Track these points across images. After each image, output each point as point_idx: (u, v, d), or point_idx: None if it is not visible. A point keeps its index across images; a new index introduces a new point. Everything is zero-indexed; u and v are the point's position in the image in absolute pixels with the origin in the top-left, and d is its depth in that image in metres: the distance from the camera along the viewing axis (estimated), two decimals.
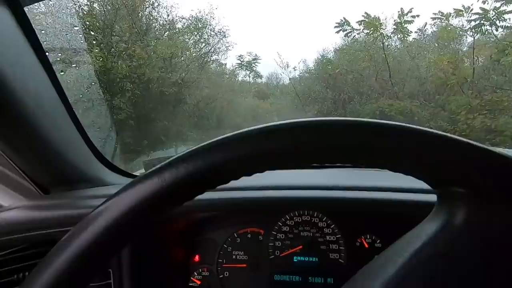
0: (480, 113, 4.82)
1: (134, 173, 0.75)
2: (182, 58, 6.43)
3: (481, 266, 0.19)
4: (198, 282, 0.55)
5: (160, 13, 6.11)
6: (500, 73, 5.19)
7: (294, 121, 0.20)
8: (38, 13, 0.43)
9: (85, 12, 5.22)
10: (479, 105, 4.93)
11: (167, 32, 6.23)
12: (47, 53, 0.46)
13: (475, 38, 5.47)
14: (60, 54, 0.55)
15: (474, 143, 0.19)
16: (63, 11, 0.58)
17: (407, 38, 6.56)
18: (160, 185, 0.19)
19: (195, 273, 0.55)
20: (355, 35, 6.85)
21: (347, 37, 6.99)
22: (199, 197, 0.49)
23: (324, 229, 0.55)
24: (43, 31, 0.45)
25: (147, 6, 5.89)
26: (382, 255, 0.22)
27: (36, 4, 0.43)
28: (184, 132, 6.09)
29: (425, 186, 0.22)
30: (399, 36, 6.60)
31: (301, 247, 0.55)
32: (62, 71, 0.50)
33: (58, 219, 0.47)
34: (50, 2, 0.46)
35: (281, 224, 0.56)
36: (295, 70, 8.02)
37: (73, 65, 0.62)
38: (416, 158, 0.19)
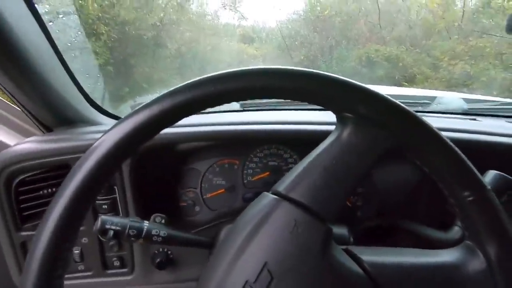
0: (462, 59, 4.88)
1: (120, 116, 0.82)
2: None
3: (358, 165, 0.30)
4: (185, 203, 0.68)
5: None
6: (489, 17, 5.11)
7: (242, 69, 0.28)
8: None
9: None
10: (463, 51, 4.97)
11: None
12: (36, 5, 0.49)
13: None
14: (48, 6, 0.57)
15: (354, 83, 0.28)
16: None
17: None
18: (146, 117, 0.27)
19: (183, 195, 0.67)
20: None
21: None
22: (188, 129, 0.58)
23: (288, 159, 0.67)
24: None
25: None
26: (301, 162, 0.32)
27: None
28: (167, 79, 5.91)
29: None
30: None
31: (268, 173, 0.67)
32: (50, 22, 0.53)
33: (67, 148, 0.56)
34: None
35: (252, 156, 0.67)
36: (280, 11, 7.55)
37: (60, 16, 0.63)
38: (321, 96, 0.28)
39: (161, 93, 0.28)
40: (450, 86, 4.92)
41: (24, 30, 0.47)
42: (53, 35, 0.53)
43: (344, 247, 0.33)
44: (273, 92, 0.28)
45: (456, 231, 0.50)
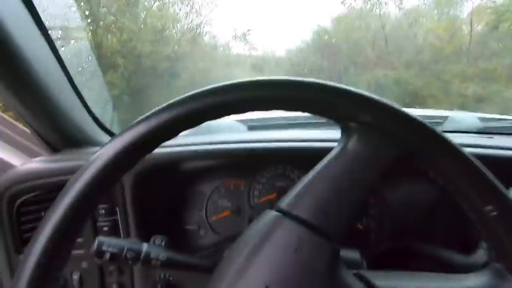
0: (473, 81, 4.84)
1: None
2: (174, 30, 6.26)
3: (365, 177, 0.28)
4: (190, 226, 0.65)
5: None
6: (497, 40, 5.12)
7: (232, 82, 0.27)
8: None
9: None
10: (473, 73, 4.94)
11: (157, 3, 6.00)
12: (49, 31, 0.52)
13: (475, 4, 5.34)
14: (60, 32, 0.60)
15: (356, 90, 0.27)
16: None
17: (405, 5, 6.39)
18: (144, 131, 0.26)
19: (188, 217, 0.65)
20: (351, 3, 6.67)
21: (343, 5, 6.81)
22: (193, 148, 0.57)
23: (296, 180, 0.65)
24: (44, 11, 0.51)
25: None
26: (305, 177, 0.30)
27: None
28: None
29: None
30: (396, 3, 6.43)
31: (275, 194, 0.64)
32: (63, 46, 0.56)
33: (71, 167, 0.56)
34: None
35: (259, 177, 0.65)
36: (289, 41, 7.85)
37: (71, 41, 0.67)
38: (324, 105, 0.27)
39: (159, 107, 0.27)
40: (463, 108, 4.83)
41: (36, 53, 0.49)
42: (65, 60, 0.56)
43: (355, 271, 0.29)
44: (274, 103, 0.28)
45: (481, 254, 0.45)
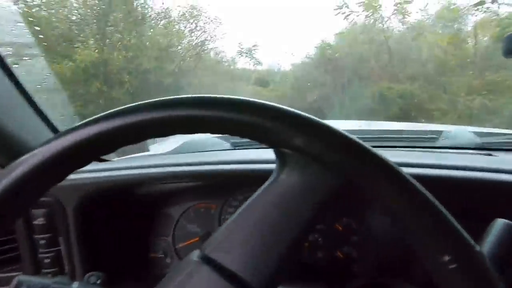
0: (480, 93, 4.75)
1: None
2: (179, 47, 6.40)
3: (300, 213, 0.23)
4: (156, 254, 0.61)
5: (154, 1, 6.05)
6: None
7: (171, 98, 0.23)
8: None
9: (79, 3, 5.20)
10: (480, 85, 4.85)
11: (163, 21, 6.18)
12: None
13: (478, 17, 5.32)
14: (10, 49, 0.59)
15: (288, 109, 0.22)
16: (3, 8, 0.62)
17: (408, 19, 6.41)
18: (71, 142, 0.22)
19: (153, 244, 0.61)
20: (354, 18, 6.73)
21: (346, 20, 6.88)
22: (158, 170, 0.53)
23: None
24: None
25: None
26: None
27: None
28: None
29: None
30: (399, 17, 6.46)
31: None
32: (16, 64, 0.54)
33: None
34: None
35: (232, 199, 0.61)
36: (293, 56, 7.94)
37: (25, 58, 0.66)
38: (253, 127, 0.22)
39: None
40: (471, 122, 4.72)
41: None
42: (19, 78, 0.53)
43: None
44: (193, 125, 0.24)
45: None
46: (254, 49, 8.35)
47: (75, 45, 4.60)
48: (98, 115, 0.23)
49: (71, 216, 0.52)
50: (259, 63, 8.90)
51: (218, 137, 1.09)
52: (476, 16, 5.39)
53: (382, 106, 5.78)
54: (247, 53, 8.32)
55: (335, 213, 0.58)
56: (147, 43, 5.49)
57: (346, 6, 6.50)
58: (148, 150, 0.98)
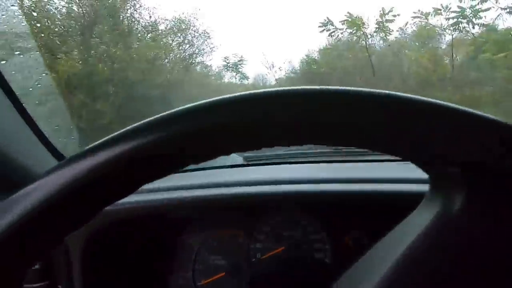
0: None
1: None
2: (166, 60, 6.33)
3: (484, 257, 0.16)
4: None
5: (142, 15, 5.99)
6: (478, 69, 5.37)
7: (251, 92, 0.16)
8: None
9: (62, 14, 5.06)
10: (460, 100, 5.08)
11: (150, 34, 6.11)
12: None
13: (454, 36, 5.64)
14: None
15: (470, 110, 0.15)
16: None
17: (389, 37, 6.71)
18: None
19: (169, 282, 0.50)
20: (338, 35, 6.95)
21: (331, 37, 7.09)
22: (169, 196, 0.44)
23: (308, 227, 0.52)
24: None
25: (128, 7, 5.76)
26: (370, 253, 0.19)
27: None
28: None
29: (416, 175, 0.19)
30: (381, 35, 6.74)
31: (283, 248, 0.51)
32: (3, 60, 0.44)
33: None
34: None
35: (261, 225, 0.52)
36: (280, 70, 8.03)
37: (16, 52, 0.55)
38: (398, 132, 0.15)
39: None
40: None
41: None
42: (7, 76, 0.44)
43: None
44: (310, 133, 0.16)
45: None
46: (241, 64, 8.37)
47: (58, 56, 4.43)
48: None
49: (77, 258, 0.41)
50: (245, 77, 8.92)
51: None
52: (452, 35, 5.72)
53: None
54: (233, 67, 8.33)
55: (344, 225, 0.52)
56: (134, 55, 5.38)
57: (330, 24, 6.73)
58: None
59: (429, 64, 5.97)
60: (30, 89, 0.54)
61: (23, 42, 0.58)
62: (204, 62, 7.54)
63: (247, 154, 0.91)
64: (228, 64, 8.17)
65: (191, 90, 6.76)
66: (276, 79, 8.48)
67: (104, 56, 5.13)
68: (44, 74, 0.63)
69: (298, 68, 8.19)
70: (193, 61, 7.06)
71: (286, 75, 8.48)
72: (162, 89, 5.87)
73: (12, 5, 0.54)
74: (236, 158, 0.92)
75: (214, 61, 7.92)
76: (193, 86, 6.89)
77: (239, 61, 8.28)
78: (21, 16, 0.57)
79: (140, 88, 5.32)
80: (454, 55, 5.79)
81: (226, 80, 8.61)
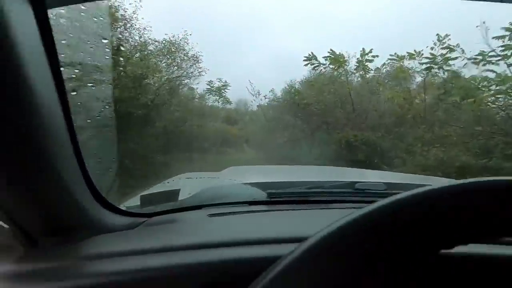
0: (434, 146, 5.29)
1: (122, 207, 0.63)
2: (153, 80, 6.26)
3: None
4: None
5: (132, 35, 5.98)
6: (446, 111, 5.80)
7: None
8: (62, 15, 0.35)
9: None
10: (431, 138, 5.44)
11: (139, 53, 6.07)
12: (62, 69, 0.38)
13: (425, 79, 6.16)
14: (77, 71, 0.46)
15: None
16: (95, 19, 0.49)
17: (367, 75, 7.20)
18: None
19: None
20: (321, 69, 7.36)
21: (314, 70, 7.47)
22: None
23: None
24: (63, 41, 0.37)
25: (118, 26, 5.74)
26: None
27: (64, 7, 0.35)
28: (151, 156, 5.77)
29: None
30: (361, 72, 7.23)
31: None
32: (74, 91, 0.41)
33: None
34: (82, 7, 0.38)
35: None
36: (265, 98, 8.24)
37: (89, 84, 0.52)
38: None
39: None
40: (425, 170, 5.16)
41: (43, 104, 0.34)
42: (72, 108, 0.40)
43: None
44: None
45: None
46: (224, 89, 8.49)
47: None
48: None
49: None
50: (228, 102, 9.02)
51: (246, 183, 0.98)
52: (424, 78, 6.23)
53: (349, 152, 6.12)
54: (216, 91, 8.42)
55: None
56: (121, 72, 5.27)
57: (314, 59, 7.13)
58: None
59: (405, 103, 6.39)
60: (89, 121, 0.50)
61: (100, 75, 0.54)
62: (190, 85, 7.58)
63: (269, 190, 0.89)
64: (212, 88, 8.26)
65: (174, 112, 6.69)
66: (257, 105, 8.65)
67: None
68: (106, 107, 0.59)
69: (281, 96, 8.46)
70: (180, 83, 7.06)
71: (268, 102, 8.70)
72: (147, 109, 5.75)
73: (104, 39, 0.51)
74: (258, 193, 0.90)
75: (199, 85, 7.95)
76: (177, 108, 6.82)
77: (223, 86, 8.40)
78: (109, 50, 0.54)
79: (125, 106, 5.16)
80: (425, 97, 6.27)
81: (209, 103, 8.66)
